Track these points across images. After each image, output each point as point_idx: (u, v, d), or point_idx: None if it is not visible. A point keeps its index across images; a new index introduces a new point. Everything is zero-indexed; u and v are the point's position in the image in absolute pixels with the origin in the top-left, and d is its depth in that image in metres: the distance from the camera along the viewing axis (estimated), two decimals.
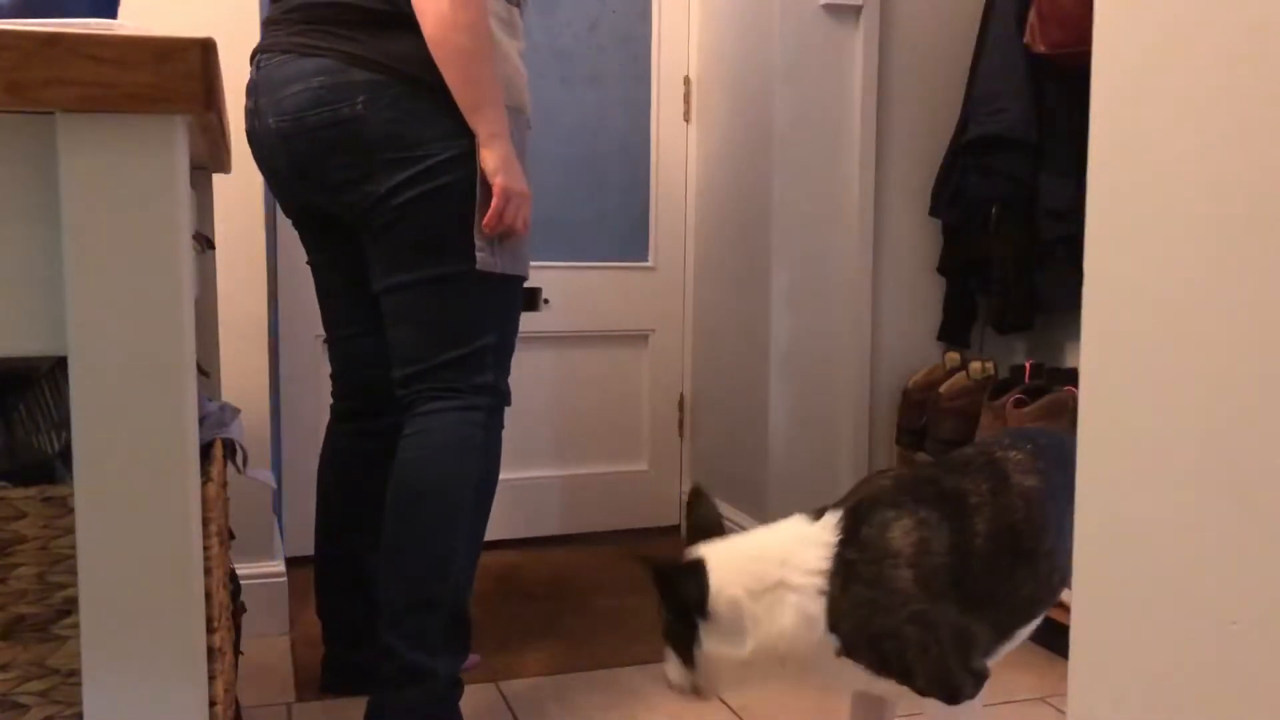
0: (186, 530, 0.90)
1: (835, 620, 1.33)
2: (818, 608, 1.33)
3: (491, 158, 1.61)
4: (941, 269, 2.66)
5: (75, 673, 0.93)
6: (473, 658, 2.02)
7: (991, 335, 2.64)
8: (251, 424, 2.00)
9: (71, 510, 0.90)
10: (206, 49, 0.86)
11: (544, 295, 2.87)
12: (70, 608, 0.93)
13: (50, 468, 1.06)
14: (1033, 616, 1.47)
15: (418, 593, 1.65)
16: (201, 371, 1.43)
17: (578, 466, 3.02)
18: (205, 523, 0.97)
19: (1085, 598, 0.75)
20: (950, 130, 2.57)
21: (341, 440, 1.93)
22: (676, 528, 3.07)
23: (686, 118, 3.03)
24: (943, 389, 2.45)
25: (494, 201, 1.62)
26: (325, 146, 1.62)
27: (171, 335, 0.88)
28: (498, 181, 1.61)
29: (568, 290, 2.94)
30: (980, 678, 1.38)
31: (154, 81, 0.84)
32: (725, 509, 2.76)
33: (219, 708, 1.03)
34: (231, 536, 1.64)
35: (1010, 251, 2.44)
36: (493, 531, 1.89)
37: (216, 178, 1.73)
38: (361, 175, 1.62)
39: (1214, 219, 0.64)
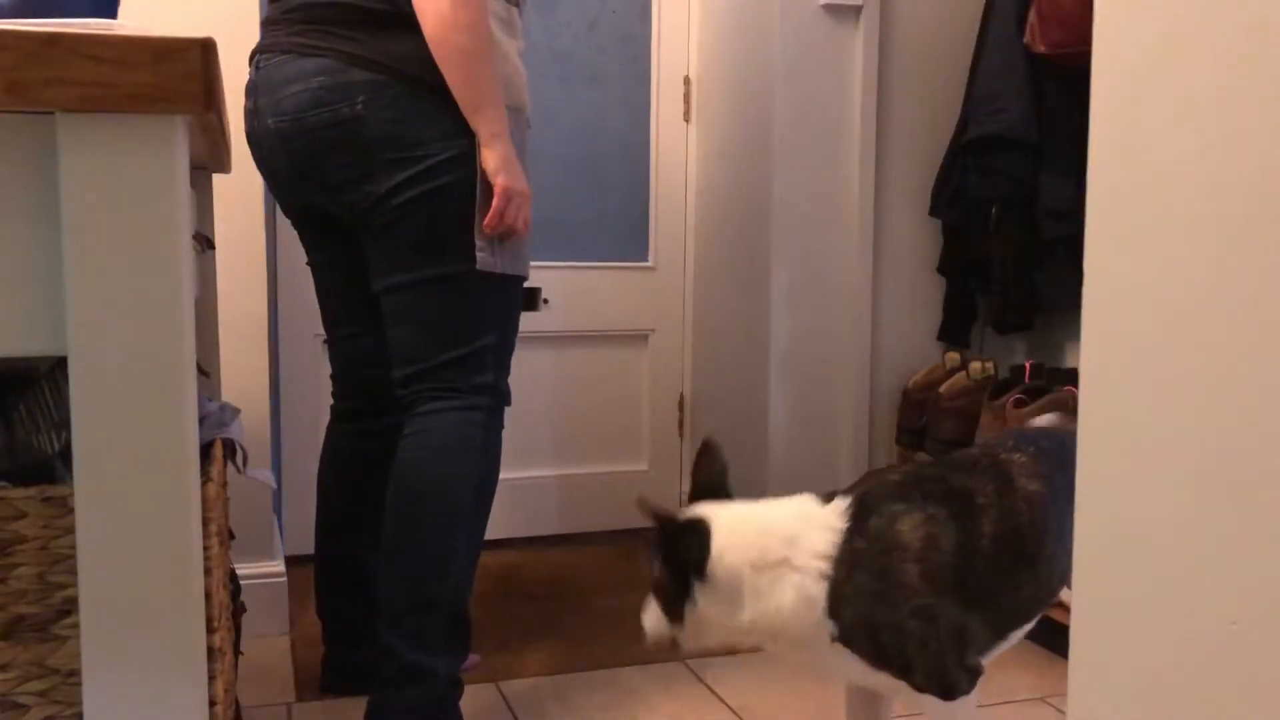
0: (186, 530, 0.90)
1: (835, 606, 1.34)
2: (819, 591, 1.34)
3: (492, 158, 1.61)
4: (941, 269, 2.66)
5: (75, 673, 0.93)
6: (473, 658, 2.02)
7: (991, 335, 2.64)
8: (251, 424, 2.00)
9: (71, 510, 0.90)
10: (206, 49, 0.86)
11: (544, 295, 2.88)
12: (70, 608, 0.93)
13: (50, 468, 1.05)
14: (1029, 619, 1.48)
15: (418, 593, 1.65)
16: (201, 371, 1.43)
17: (578, 466, 3.02)
18: (205, 523, 0.97)
19: (1085, 598, 0.75)
20: (950, 130, 2.57)
21: (341, 440, 1.93)
22: None
23: (686, 118, 3.03)
24: (943, 389, 2.45)
25: (495, 201, 1.62)
26: (325, 147, 1.62)
27: (171, 335, 0.88)
28: (499, 181, 1.61)
29: (568, 290, 2.94)
30: (975, 674, 1.39)
31: (154, 81, 0.84)
32: None
33: (219, 708, 1.03)
34: (231, 536, 1.64)
35: (1010, 251, 2.44)
36: (493, 531, 1.89)
37: (216, 178, 1.73)
38: (361, 175, 1.62)
39: (1214, 219, 0.64)
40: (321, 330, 1.98)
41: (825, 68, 2.57)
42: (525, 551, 2.86)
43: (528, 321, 1.93)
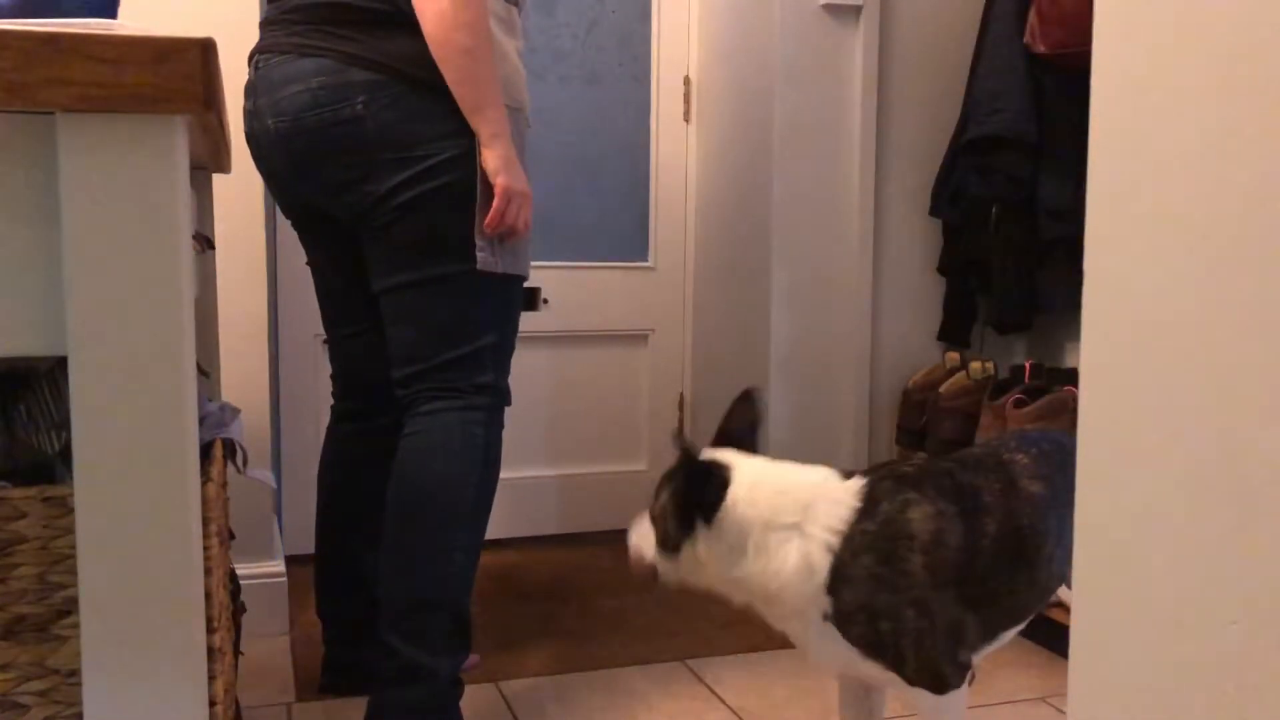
0: (186, 530, 0.90)
1: (835, 584, 1.34)
2: (823, 564, 1.34)
3: (493, 157, 1.61)
4: (941, 269, 2.66)
5: (75, 673, 0.93)
6: (473, 658, 2.02)
7: (991, 335, 2.64)
8: (251, 424, 2.00)
9: (71, 510, 0.90)
10: (206, 49, 0.86)
11: (544, 295, 2.88)
12: (70, 608, 0.93)
13: (50, 468, 1.06)
14: (1022, 620, 1.48)
15: (418, 592, 1.65)
16: (201, 371, 1.43)
17: (577, 466, 3.02)
18: (205, 523, 0.97)
19: (1085, 598, 0.75)
20: (950, 130, 2.57)
21: (341, 440, 1.93)
22: None
23: (686, 118, 3.03)
24: (943, 389, 2.45)
25: (495, 201, 1.62)
26: (325, 147, 1.62)
27: (171, 335, 0.88)
28: (499, 181, 1.61)
29: (568, 290, 2.94)
30: (964, 670, 1.39)
31: (154, 81, 0.84)
32: None
33: (219, 708, 1.03)
34: (231, 536, 1.64)
35: (1010, 251, 2.44)
36: (492, 531, 1.89)
37: (216, 178, 1.73)
38: (361, 175, 1.62)
39: (1214, 218, 0.64)
40: (321, 330, 1.98)
41: (825, 68, 2.57)
42: (525, 551, 2.86)
43: (528, 321, 1.93)
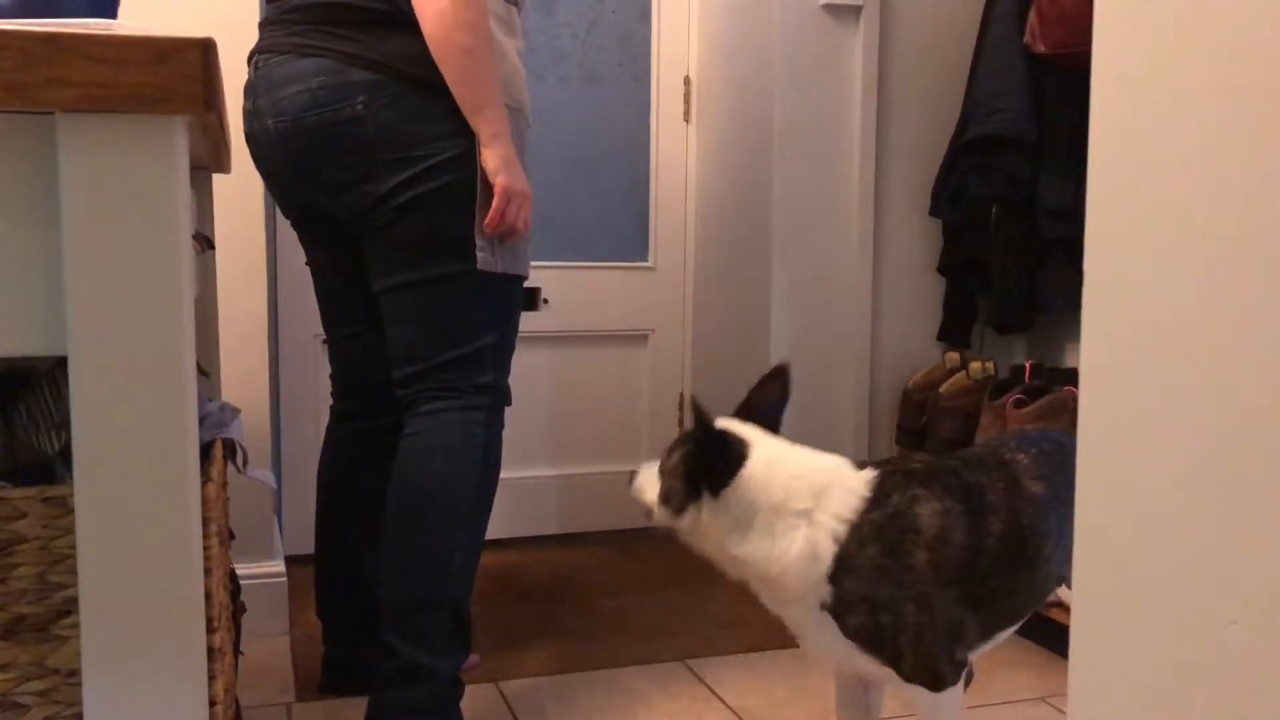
0: (186, 530, 0.90)
1: (838, 572, 1.34)
2: (827, 552, 1.34)
3: (493, 157, 1.61)
4: (941, 269, 2.66)
5: (75, 673, 0.93)
6: (473, 658, 2.02)
7: (991, 335, 2.64)
8: (251, 424, 2.00)
9: (71, 510, 0.89)
10: (206, 49, 0.86)
11: (544, 295, 2.88)
12: (70, 608, 0.93)
13: (50, 468, 1.06)
14: (1019, 619, 1.49)
15: (418, 592, 1.65)
16: (201, 371, 1.43)
17: (577, 466, 3.02)
18: (205, 523, 0.97)
19: (1085, 598, 0.75)
20: (950, 130, 2.57)
21: (341, 440, 1.93)
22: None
23: (686, 118, 3.03)
24: (943, 389, 2.45)
25: (495, 201, 1.62)
26: (325, 147, 1.62)
27: (171, 335, 0.88)
28: (499, 181, 1.61)
29: (568, 290, 2.94)
30: (961, 668, 1.39)
31: (154, 81, 0.84)
32: None
33: (219, 708, 1.03)
34: (231, 536, 1.64)
35: (1010, 251, 2.44)
36: (492, 531, 1.89)
37: (216, 178, 1.73)
38: (361, 176, 1.62)
39: (1214, 218, 0.64)
40: (321, 330, 1.98)
41: (825, 68, 2.57)
42: (525, 551, 2.86)
43: (528, 321, 1.93)
